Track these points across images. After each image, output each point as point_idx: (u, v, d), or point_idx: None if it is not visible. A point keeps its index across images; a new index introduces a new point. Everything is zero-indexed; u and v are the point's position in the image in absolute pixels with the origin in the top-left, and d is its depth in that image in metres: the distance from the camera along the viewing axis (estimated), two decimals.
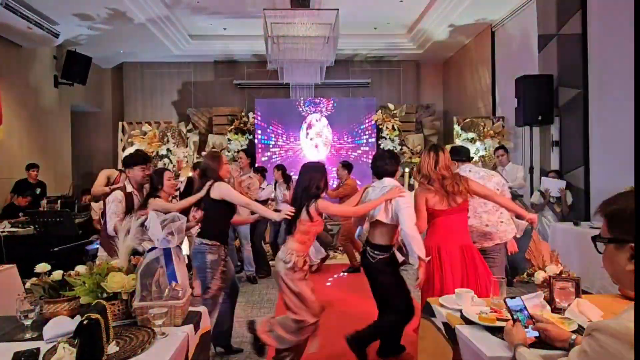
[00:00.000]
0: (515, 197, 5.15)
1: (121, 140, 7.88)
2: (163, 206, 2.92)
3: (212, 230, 2.84)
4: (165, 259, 1.86)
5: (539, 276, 1.99)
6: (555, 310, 1.79)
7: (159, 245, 1.87)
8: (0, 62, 6.30)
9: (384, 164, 2.75)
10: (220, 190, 2.81)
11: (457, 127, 7.22)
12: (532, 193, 5.42)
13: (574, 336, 1.36)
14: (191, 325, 1.75)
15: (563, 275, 1.94)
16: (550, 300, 1.85)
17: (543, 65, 5.66)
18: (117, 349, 1.47)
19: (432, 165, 2.63)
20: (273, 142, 8.54)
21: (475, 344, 1.54)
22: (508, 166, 5.41)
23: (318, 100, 8.55)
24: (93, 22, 6.76)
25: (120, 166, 4.19)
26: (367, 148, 8.52)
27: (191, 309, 1.92)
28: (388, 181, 2.73)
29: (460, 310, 1.80)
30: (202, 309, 1.98)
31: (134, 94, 9.36)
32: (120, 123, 8.03)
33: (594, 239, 1.14)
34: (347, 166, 5.64)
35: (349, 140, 8.57)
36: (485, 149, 6.94)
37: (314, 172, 2.60)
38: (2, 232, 4.52)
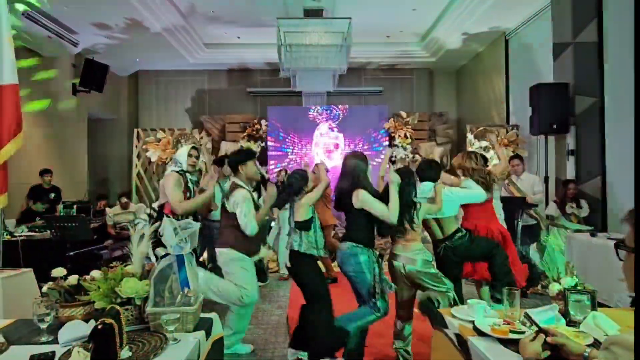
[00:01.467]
0: (530, 206, 5.10)
1: (136, 146, 8.02)
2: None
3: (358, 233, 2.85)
4: (178, 265, 1.88)
5: (554, 288, 1.96)
6: (571, 323, 1.75)
7: (172, 251, 1.89)
8: (21, 70, 6.47)
9: (420, 171, 3.18)
10: (357, 197, 2.78)
11: (470, 136, 7.17)
12: (547, 203, 5.34)
13: (588, 350, 1.33)
14: (203, 332, 1.76)
15: (578, 288, 1.90)
16: (565, 313, 1.82)
17: (558, 74, 5.61)
18: (130, 354, 1.49)
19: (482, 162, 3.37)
20: (285, 149, 8.59)
21: (488, 356, 1.52)
22: (523, 175, 5.35)
23: (330, 108, 8.58)
24: (111, 31, 6.92)
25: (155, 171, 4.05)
26: (379, 156, 8.51)
27: (202, 315, 1.94)
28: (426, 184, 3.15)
29: (473, 322, 1.78)
30: (214, 315, 1.99)
31: (149, 102, 9.52)
32: (135, 130, 8.17)
33: (617, 245, 1.11)
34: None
35: (361, 148, 8.57)
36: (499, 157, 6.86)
37: (410, 183, 2.86)
38: (19, 236, 4.62)
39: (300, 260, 2.87)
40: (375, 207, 2.69)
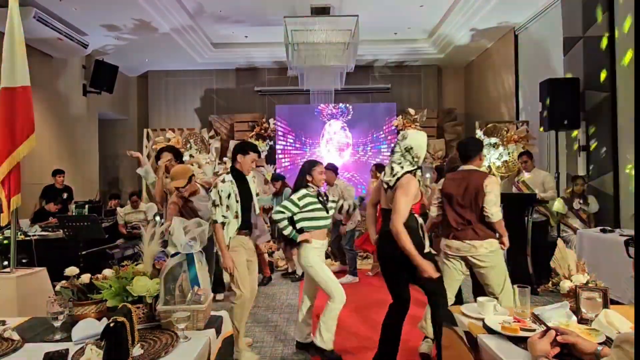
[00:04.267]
0: (541, 203, 5.04)
1: (146, 146, 8.09)
2: None
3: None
4: (188, 264, 1.90)
5: (565, 285, 1.94)
6: (582, 321, 1.74)
7: (182, 250, 1.91)
8: (33, 72, 6.54)
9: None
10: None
11: (479, 132, 7.11)
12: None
13: (600, 347, 1.32)
14: (213, 330, 1.78)
15: (590, 285, 1.88)
16: (576, 311, 1.80)
17: (569, 69, 5.54)
18: (142, 351, 1.51)
19: None
20: (293, 148, 8.60)
21: (497, 354, 1.51)
22: (533, 171, 5.30)
23: (338, 106, 8.57)
24: (120, 32, 6.99)
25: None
26: (388, 153, 8.49)
27: (213, 313, 1.96)
28: None
29: (483, 320, 1.77)
30: (224, 313, 2.01)
31: (159, 102, 9.60)
32: (145, 130, 8.24)
33: (627, 243, 1.11)
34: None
35: (370, 146, 8.56)
36: (508, 154, 6.82)
37: None
38: (33, 235, 4.69)
39: None
40: None
